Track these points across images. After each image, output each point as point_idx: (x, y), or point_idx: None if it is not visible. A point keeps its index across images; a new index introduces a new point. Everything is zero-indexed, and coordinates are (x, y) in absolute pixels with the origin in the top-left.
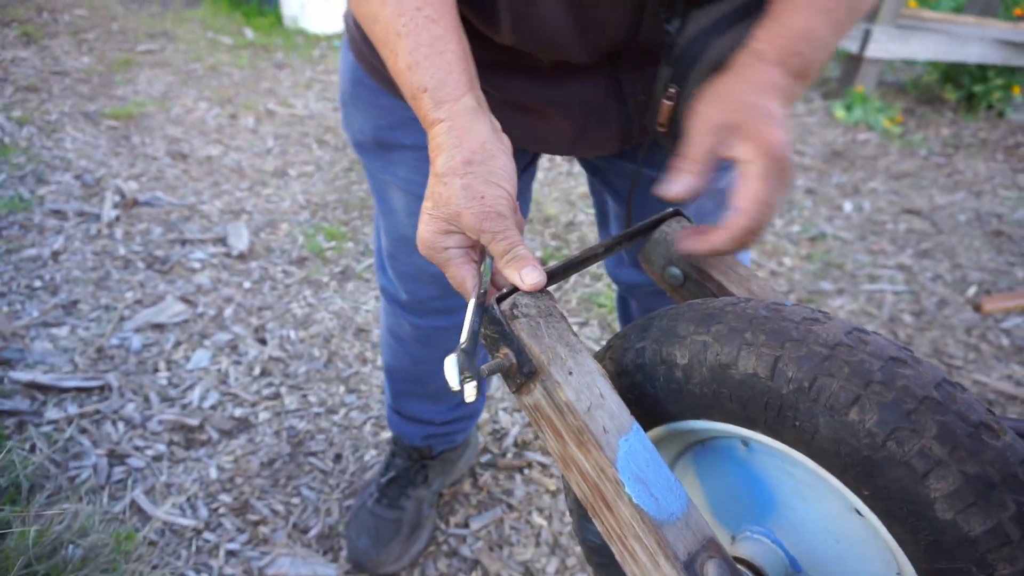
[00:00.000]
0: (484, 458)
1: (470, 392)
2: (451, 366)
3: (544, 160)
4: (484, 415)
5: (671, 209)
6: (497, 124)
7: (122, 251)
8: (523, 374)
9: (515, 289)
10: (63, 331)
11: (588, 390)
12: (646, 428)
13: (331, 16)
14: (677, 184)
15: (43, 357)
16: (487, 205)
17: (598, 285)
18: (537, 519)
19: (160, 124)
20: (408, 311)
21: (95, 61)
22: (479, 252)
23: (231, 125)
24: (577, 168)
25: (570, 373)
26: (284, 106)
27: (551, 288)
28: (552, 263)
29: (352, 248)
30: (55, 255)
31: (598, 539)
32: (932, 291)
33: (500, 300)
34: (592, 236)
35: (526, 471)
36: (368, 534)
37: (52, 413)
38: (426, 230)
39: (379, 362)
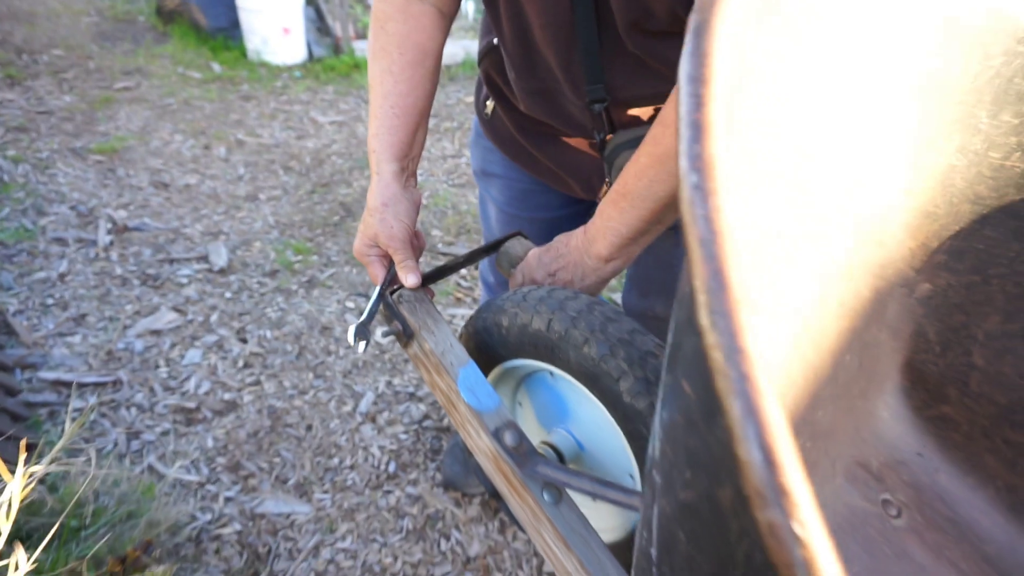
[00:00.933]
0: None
1: (360, 348)
2: (351, 332)
3: None
4: (426, 389)
5: (515, 231)
6: (411, 183)
7: (119, 271)
8: (406, 336)
9: (401, 286)
10: (76, 339)
11: (443, 341)
12: (492, 366)
13: (291, 49)
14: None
15: (62, 360)
16: (393, 232)
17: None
18: None
19: (142, 157)
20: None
21: (76, 99)
22: (388, 259)
23: (205, 155)
24: None
25: (432, 334)
26: (252, 136)
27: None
28: (427, 270)
29: (316, 260)
30: (62, 276)
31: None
32: None
33: (392, 293)
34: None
35: None
36: (459, 463)
37: (76, 403)
38: (359, 241)
39: (341, 353)
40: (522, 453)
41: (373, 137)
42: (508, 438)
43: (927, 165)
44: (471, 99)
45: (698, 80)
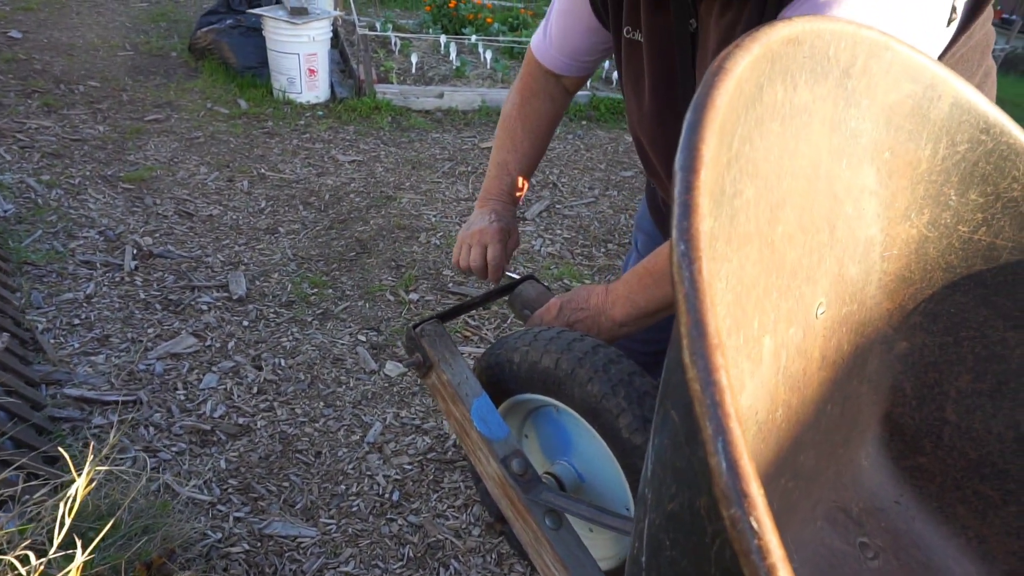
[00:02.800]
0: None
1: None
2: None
3: None
4: (432, 422)
5: (526, 274)
6: (494, 215)
7: (142, 295)
8: (425, 367)
9: (423, 321)
10: (100, 359)
11: (460, 374)
12: (502, 399)
13: (315, 89)
14: None
15: (86, 379)
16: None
17: None
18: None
19: (168, 186)
20: None
21: (109, 129)
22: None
23: (228, 188)
24: (520, 228)
25: (450, 365)
26: (274, 171)
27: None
28: (443, 308)
29: (331, 294)
30: (88, 298)
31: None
32: None
33: (415, 326)
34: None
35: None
36: None
37: (98, 420)
38: (476, 237)
39: (351, 384)
40: (527, 480)
41: (487, 177)
42: (515, 465)
43: (901, 235)
44: (485, 144)
45: (689, 169)
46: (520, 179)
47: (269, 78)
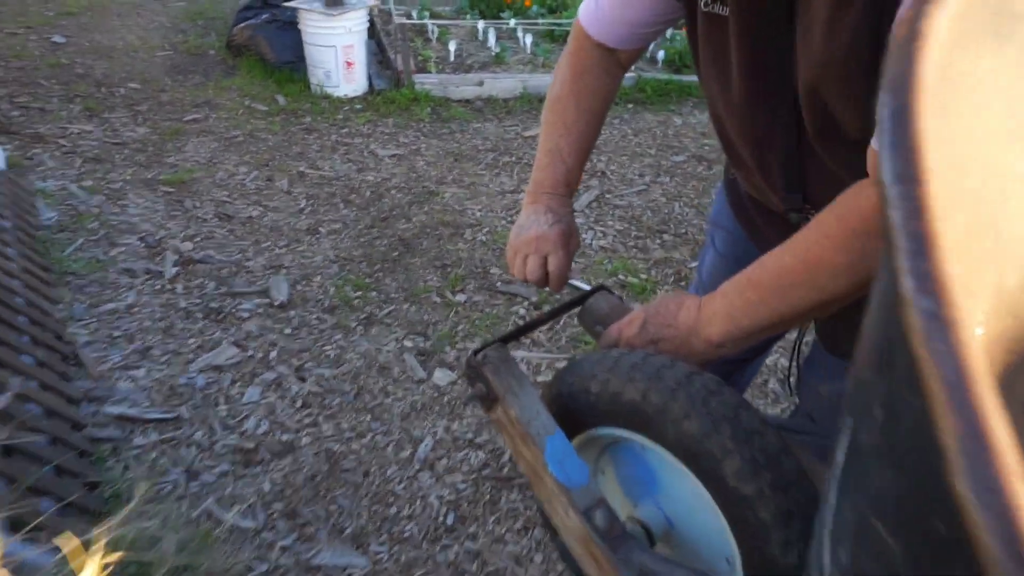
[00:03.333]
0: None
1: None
2: None
3: None
4: (485, 435)
5: (596, 285)
6: (551, 215)
7: (183, 304)
8: (490, 400)
9: (485, 345)
10: (140, 372)
11: (529, 408)
12: (574, 434)
13: (352, 82)
14: None
15: (127, 394)
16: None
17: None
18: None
19: (207, 188)
20: None
21: (149, 131)
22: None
23: (268, 187)
24: None
25: (518, 397)
26: (313, 168)
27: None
28: (509, 328)
29: (375, 297)
30: (129, 308)
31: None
32: None
33: (475, 353)
34: None
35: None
36: None
37: (139, 440)
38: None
39: (399, 394)
40: (615, 536)
41: (536, 166)
42: (599, 518)
43: None
44: (529, 133)
45: (910, 179)
46: (576, 167)
47: (306, 72)
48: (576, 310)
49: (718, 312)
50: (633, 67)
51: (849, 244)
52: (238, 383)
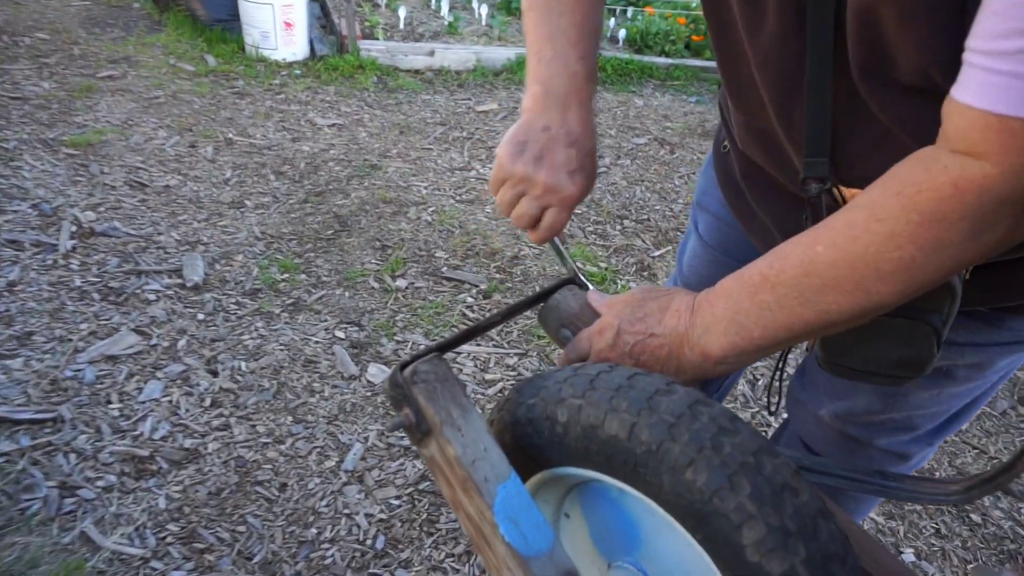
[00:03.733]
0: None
1: None
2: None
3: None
4: None
5: (565, 277)
6: (574, 146)
7: (78, 282)
8: (420, 431)
9: (415, 357)
10: (17, 363)
11: (474, 445)
12: (535, 471)
13: (292, 46)
14: None
15: None
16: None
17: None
18: None
19: (119, 152)
20: None
21: (55, 87)
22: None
23: (190, 154)
24: None
25: (459, 431)
26: (243, 136)
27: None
28: (454, 332)
29: (305, 280)
30: (11, 286)
31: None
32: None
33: (403, 367)
34: (536, 269)
35: None
36: None
37: (4, 445)
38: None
39: (326, 393)
40: None
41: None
42: None
43: None
44: (483, 108)
45: None
46: (592, 57)
47: (241, 32)
48: (537, 308)
49: (720, 318)
50: None
51: (912, 233)
52: (136, 377)
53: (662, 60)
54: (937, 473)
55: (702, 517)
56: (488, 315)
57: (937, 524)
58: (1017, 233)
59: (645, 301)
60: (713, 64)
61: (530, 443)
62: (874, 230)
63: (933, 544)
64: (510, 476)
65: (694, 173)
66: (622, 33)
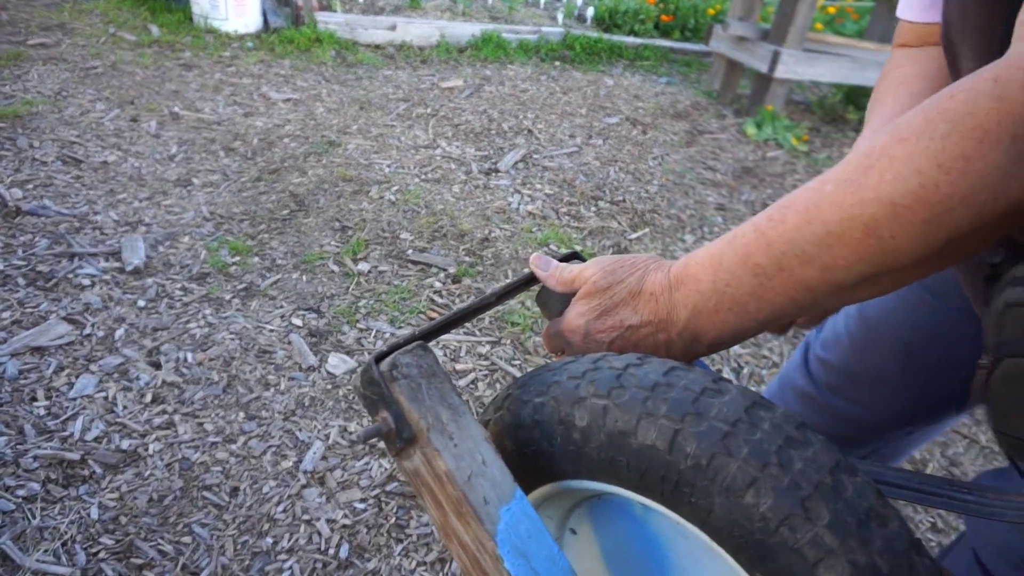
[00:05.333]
0: None
1: None
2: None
3: (460, 174)
4: None
5: (568, 252)
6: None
7: (1, 266)
8: (402, 439)
9: (394, 348)
10: None
11: (469, 456)
12: (540, 484)
13: (244, 16)
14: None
15: None
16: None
17: (510, 303)
18: None
19: (52, 125)
20: None
21: None
22: None
23: (131, 129)
24: (493, 182)
25: (451, 439)
26: (190, 110)
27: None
28: (442, 315)
29: (257, 263)
30: None
31: None
32: None
33: (379, 359)
34: (507, 251)
35: None
36: None
37: None
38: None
39: (282, 386)
40: None
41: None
42: None
43: None
44: (447, 84)
45: None
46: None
47: (188, 2)
48: (535, 288)
49: (708, 293)
50: (562, 21)
51: (937, 150)
52: (66, 371)
53: (631, 39)
54: (929, 464)
55: (765, 551)
56: (479, 297)
57: (933, 518)
58: None
59: (611, 286)
60: (682, 45)
61: (537, 451)
62: (892, 153)
63: (931, 541)
64: (515, 496)
65: (667, 154)
66: (590, 11)
